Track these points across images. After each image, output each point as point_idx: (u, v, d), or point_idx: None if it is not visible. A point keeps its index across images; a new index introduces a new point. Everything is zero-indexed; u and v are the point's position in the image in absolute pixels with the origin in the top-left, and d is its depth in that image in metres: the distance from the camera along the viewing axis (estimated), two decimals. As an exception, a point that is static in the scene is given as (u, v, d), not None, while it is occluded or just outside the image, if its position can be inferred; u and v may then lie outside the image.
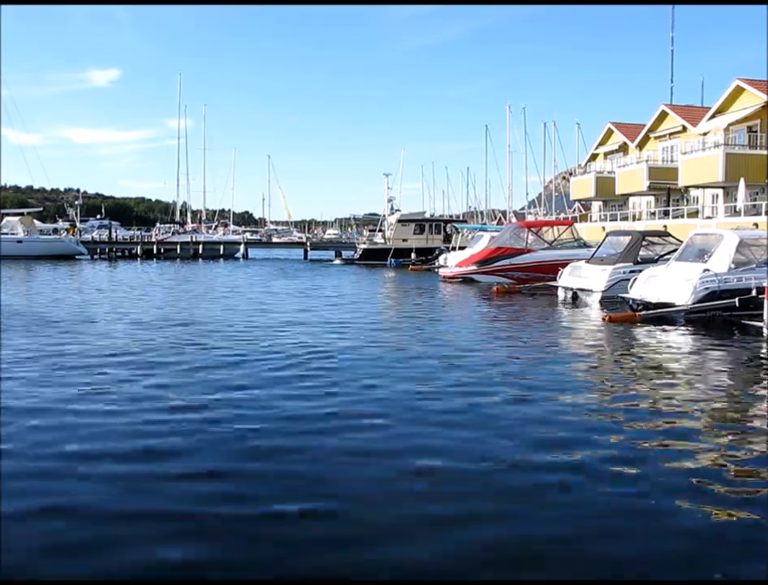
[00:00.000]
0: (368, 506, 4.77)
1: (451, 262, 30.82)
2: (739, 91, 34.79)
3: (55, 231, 56.72)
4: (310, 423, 6.66)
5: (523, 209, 64.05)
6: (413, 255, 41.24)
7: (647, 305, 15.35)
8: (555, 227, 28.27)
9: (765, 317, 12.49)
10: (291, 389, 8.12)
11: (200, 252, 52.39)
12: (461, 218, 63.84)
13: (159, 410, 7.12)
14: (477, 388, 8.24)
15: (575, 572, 3.89)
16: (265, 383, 8.42)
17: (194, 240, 55.13)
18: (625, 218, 41.54)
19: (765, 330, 12.44)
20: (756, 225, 23.91)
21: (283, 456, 5.76)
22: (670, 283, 15.11)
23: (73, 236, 52.92)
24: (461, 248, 33.83)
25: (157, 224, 70.56)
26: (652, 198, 43.26)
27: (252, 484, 5.15)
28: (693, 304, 14.48)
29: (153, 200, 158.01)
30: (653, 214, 39.62)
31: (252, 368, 9.32)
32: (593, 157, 52.38)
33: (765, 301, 12.46)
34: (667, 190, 39.22)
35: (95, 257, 50.38)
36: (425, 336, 12.68)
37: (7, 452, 5.71)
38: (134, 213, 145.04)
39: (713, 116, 36.48)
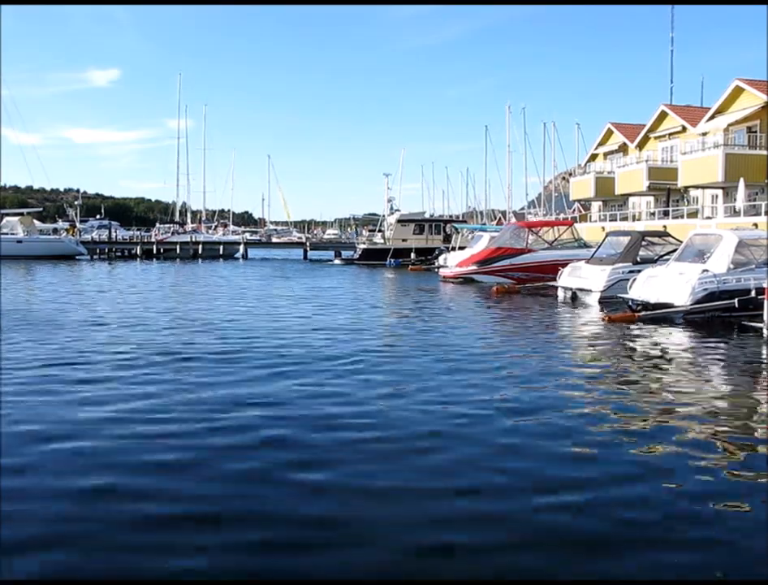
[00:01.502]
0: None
1: (451, 262, 30.82)
2: (738, 91, 34.78)
3: (55, 231, 56.79)
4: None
5: (522, 209, 64.09)
6: (413, 255, 41.27)
7: (646, 306, 15.33)
8: (555, 228, 28.28)
9: (765, 318, 12.48)
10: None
11: (200, 252, 52.43)
12: (461, 219, 63.89)
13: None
14: (471, 389, 8.25)
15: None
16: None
17: (194, 240, 55.17)
18: (625, 219, 41.56)
19: (765, 331, 12.42)
20: (755, 225, 23.90)
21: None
22: (669, 284, 15.08)
23: (73, 236, 52.92)
24: (461, 248, 33.84)
25: (157, 224, 70.56)
26: (651, 198, 43.25)
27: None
28: (692, 304, 14.47)
29: (153, 200, 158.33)
30: (653, 214, 39.62)
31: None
32: (593, 157, 52.37)
33: (765, 301, 12.44)
34: (667, 190, 39.20)
35: (94, 257, 50.43)
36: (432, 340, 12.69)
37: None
38: (134, 213, 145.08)
39: (712, 116, 36.47)
